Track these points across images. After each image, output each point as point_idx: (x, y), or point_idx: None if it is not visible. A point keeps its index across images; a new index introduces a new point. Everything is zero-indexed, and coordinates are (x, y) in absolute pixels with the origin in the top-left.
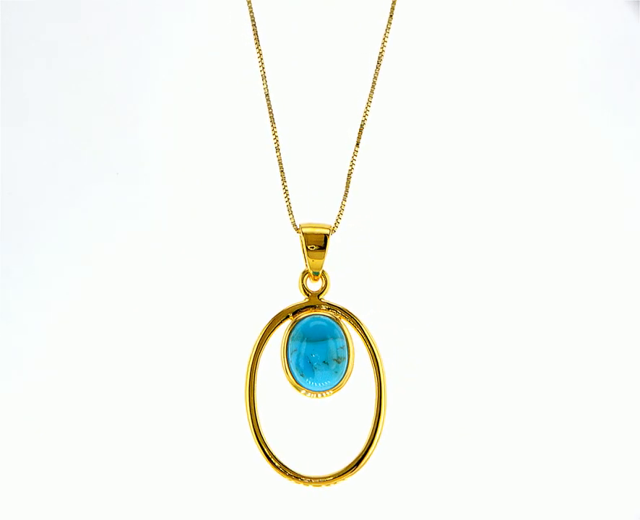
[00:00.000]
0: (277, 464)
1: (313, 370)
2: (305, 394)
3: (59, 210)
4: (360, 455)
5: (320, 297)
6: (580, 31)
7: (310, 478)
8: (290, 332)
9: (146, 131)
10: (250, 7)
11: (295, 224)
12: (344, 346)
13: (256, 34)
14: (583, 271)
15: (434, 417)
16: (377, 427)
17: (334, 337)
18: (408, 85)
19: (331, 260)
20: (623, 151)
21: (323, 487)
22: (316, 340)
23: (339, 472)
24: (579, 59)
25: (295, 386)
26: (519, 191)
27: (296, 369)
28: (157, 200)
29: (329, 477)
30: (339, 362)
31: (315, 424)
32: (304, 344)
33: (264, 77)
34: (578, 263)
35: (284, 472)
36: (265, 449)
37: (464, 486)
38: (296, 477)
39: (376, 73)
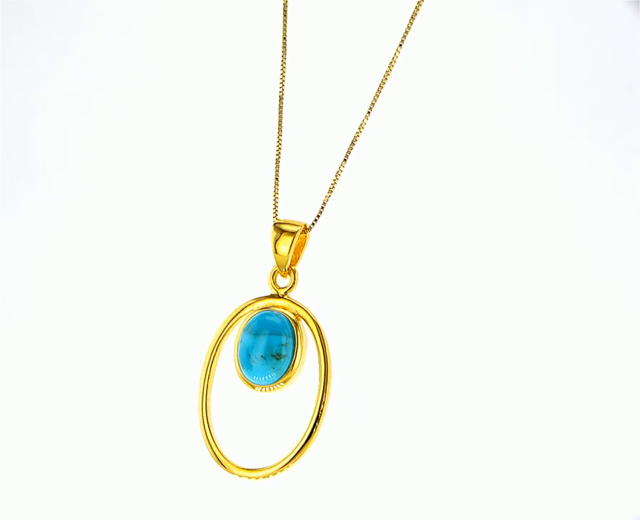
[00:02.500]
0: (215, 450)
1: (251, 363)
2: (245, 385)
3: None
4: (288, 455)
5: (286, 293)
6: (580, 31)
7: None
8: (245, 324)
9: (143, 123)
10: (284, 17)
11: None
12: (287, 343)
13: (284, 47)
14: (562, 273)
15: (403, 417)
16: (315, 426)
17: (279, 334)
18: (403, 108)
19: (314, 259)
20: (623, 150)
21: (248, 481)
22: (259, 334)
23: (264, 468)
24: (579, 59)
25: (240, 376)
26: (499, 198)
27: (238, 360)
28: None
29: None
30: (278, 359)
31: (264, 417)
32: (249, 336)
33: (282, 82)
34: (555, 268)
35: (216, 456)
36: (209, 436)
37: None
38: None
39: (377, 94)
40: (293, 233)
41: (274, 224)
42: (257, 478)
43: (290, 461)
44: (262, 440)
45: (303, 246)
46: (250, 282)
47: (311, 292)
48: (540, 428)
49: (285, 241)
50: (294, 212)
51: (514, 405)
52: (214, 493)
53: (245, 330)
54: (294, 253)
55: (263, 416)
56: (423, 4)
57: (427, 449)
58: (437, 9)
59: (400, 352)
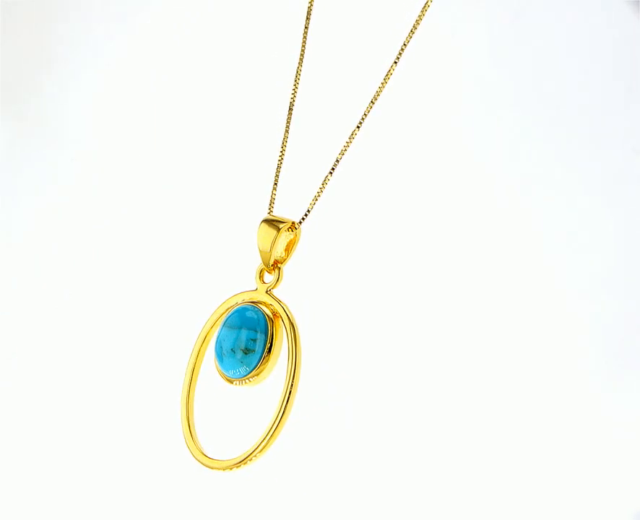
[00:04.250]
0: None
1: (222, 356)
2: (223, 379)
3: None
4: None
5: (268, 290)
6: (580, 31)
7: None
8: (224, 319)
9: (141, 117)
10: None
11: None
12: (256, 338)
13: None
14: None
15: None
16: (278, 424)
17: (252, 329)
18: (394, 119)
19: (310, 258)
20: (624, 149)
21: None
22: (233, 328)
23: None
24: (579, 59)
25: (217, 370)
26: (485, 204)
27: (215, 353)
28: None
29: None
30: (246, 354)
31: (244, 412)
32: (224, 330)
33: (295, 88)
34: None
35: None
36: (188, 426)
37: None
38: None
39: (369, 106)
40: (278, 229)
41: (262, 220)
42: (215, 469)
43: (244, 461)
44: (242, 434)
45: (293, 244)
46: (243, 278)
47: (304, 291)
48: (538, 427)
49: (269, 237)
50: (293, 213)
51: (509, 402)
52: (192, 486)
53: (223, 324)
54: (284, 250)
55: (243, 411)
56: (420, 18)
57: (407, 451)
58: (432, 22)
59: (383, 351)
